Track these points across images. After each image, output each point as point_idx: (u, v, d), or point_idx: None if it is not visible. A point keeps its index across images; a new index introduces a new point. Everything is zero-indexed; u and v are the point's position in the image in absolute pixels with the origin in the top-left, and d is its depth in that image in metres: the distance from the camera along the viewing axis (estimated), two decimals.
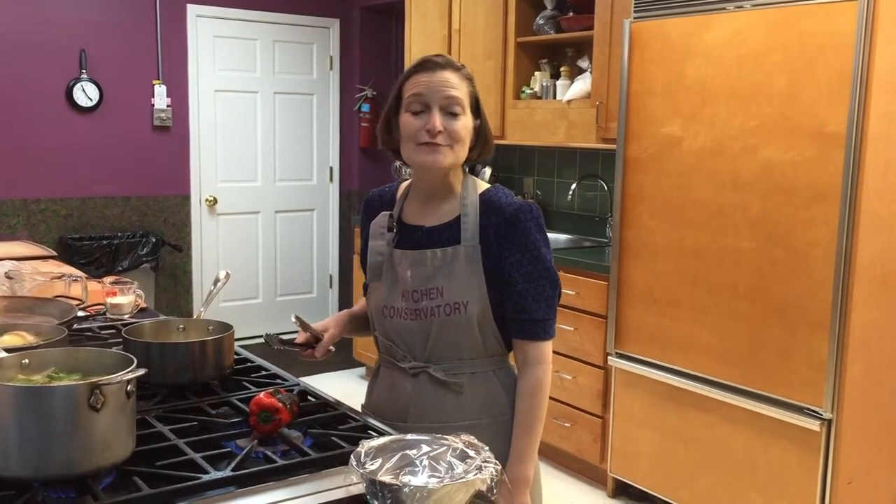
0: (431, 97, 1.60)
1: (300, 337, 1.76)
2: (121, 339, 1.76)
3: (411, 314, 1.66)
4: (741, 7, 2.89)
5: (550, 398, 3.80)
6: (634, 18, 3.27)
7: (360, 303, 1.90)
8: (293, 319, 1.77)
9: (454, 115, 1.61)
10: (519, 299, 1.63)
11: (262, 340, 1.85)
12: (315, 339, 1.76)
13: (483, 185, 1.72)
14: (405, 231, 1.71)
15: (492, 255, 1.64)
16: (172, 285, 5.60)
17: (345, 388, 4.92)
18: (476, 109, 1.66)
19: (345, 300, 6.17)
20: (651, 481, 3.35)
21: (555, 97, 4.20)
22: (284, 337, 1.78)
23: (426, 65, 1.63)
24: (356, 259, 5.13)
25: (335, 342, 1.80)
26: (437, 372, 1.66)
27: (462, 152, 1.64)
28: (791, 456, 2.83)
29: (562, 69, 4.22)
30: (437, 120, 1.59)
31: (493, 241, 1.64)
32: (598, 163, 4.42)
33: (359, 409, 1.75)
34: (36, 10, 4.93)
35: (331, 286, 6.30)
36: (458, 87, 1.61)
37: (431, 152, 1.60)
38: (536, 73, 4.35)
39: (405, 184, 1.79)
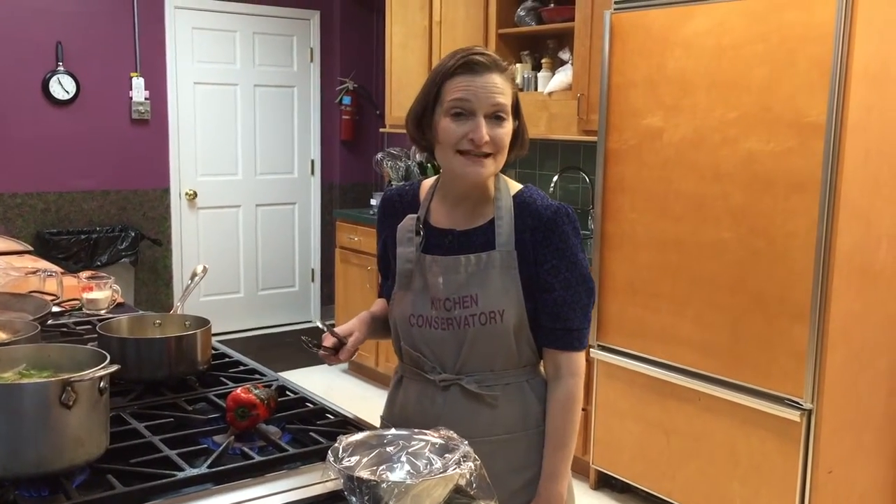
0: (477, 103, 1.47)
1: (327, 340, 1.62)
2: (96, 335, 1.74)
3: (443, 323, 1.55)
4: None
5: None
6: (615, 10, 3.26)
7: (377, 303, 1.77)
8: (322, 326, 1.66)
9: (499, 122, 1.50)
10: (555, 307, 1.54)
11: (241, 336, 1.82)
12: (340, 343, 1.63)
13: (516, 186, 1.61)
14: (433, 235, 1.59)
15: (527, 261, 1.54)
16: (152, 280, 5.55)
17: (327, 382, 4.90)
18: (516, 110, 1.55)
19: (327, 294, 6.14)
20: (633, 473, 3.35)
21: (536, 89, 4.19)
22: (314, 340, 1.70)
23: (472, 66, 1.49)
24: (338, 253, 5.11)
25: (360, 345, 1.67)
26: (470, 384, 1.55)
27: (502, 159, 1.53)
28: (772, 446, 2.84)
29: (543, 61, 4.21)
30: (483, 130, 1.47)
31: (529, 245, 1.54)
32: (579, 155, 4.42)
33: (342, 404, 1.72)
34: (11, 1, 4.86)
35: (313, 280, 6.27)
36: (504, 92, 1.50)
37: (473, 164, 1.49)
38: (518, 65, 4.33)
39: (428, 183, 1.68)
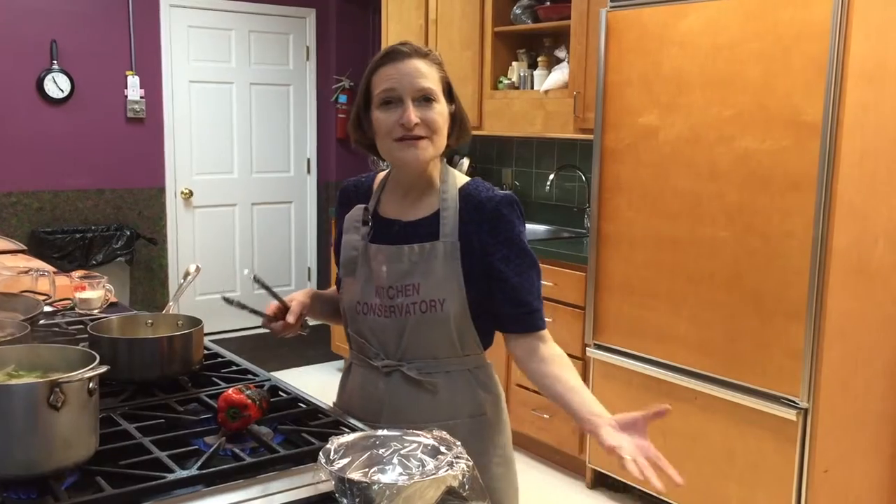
0: (402, 89, 1.52)
1: (270, 308, 1.66)
2: (87, 335, 1.72)
3: (385, 311, 1.60)
4: None
5: (527, 389, 3.78)
6: (611, 8, 3.25)
7: (332, 288, 1.84)
8: (246, 273, 1.70)
9: (428, 104, 1.53)
10: (514, 293, 1.58)
11: (236, 335, 1.80)
12: (282, 309, 1.66)
13: (463, 179, 1.65)
14: (381, 225, 1.64)
15: (472, 252, 1.58)
16: (147, 279, 5.53)
17: (322, 382, 4.88)
18: (449, 94, 1.59)
19: None
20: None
21: (532, 87, 4.18)
22: (249, 305, 1.69)
23: (392, 55, 1.55)
24: (333, 251, 5.09)
25: (305, 310, 1.68)
26: (411, 371, 1.60)
27: (441, 142, 1.57)
28: (768, 445, 2.83)
29: (539, 59, 4.20)
30: (412, 113, 1.51)
31: (474, 237, 1.58)
32: (575, 153, 4.41)
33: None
34: (5, 0, 4.84)
35: (309, 279, 6.25)
36: (428, 76, 1.54)
37: (410, 147, 1.53)
38: (514, 63, 4.33)
39: (382, 174, 1.73)
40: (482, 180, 1.68)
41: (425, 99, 1.53)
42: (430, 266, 1.57)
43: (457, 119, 1.61)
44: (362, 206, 1.67)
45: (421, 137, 1.53)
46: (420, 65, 1.54)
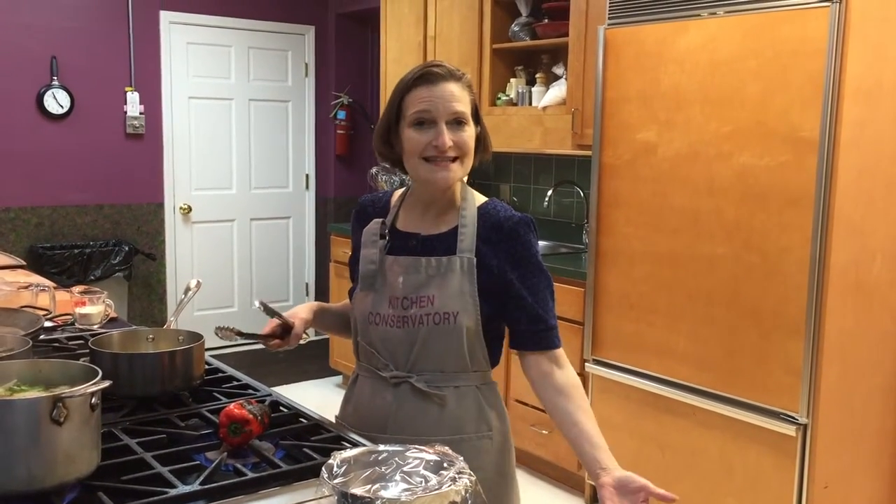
0: (437, 112, 1.55)
1: (267, 327, 1.68)
2: (88, 350, 1.72)
3: (398, 321, 1.61)
4: (715, 14, 2.90)
5: (526, 405, 3.77)
6: (609, 25, 3.27)
7: (342, 302, 1.85)
8: (257, 305, 1.70)
9: (460, 127, 1.57)
10: (532, 311, 1.61)
11: (236, 350, 1.80)
12: (283, 327, 1.68)
13: (481, 198, 1.69)
14: (399, 238, 1.66)
15: (489, 269, 1.60)
16: (146, 294, 5.53)
17: (322, 397, 4.87)
18: (476, 116, 1.63)
19: None
20: None
21: (530, 104, 4.20)
22: (244, 331, 1.67)
23: (428, 77, 1.57)
24: (333, 267, 5.10)
25: (308, 328, 1.72)
26: (420, 383, 1.61)
27: (468, 164, 1.61)
28: (767, 461, 2.83)
29: (537, 76, 4.22)
30: (446, 136, 1.55)
31: (491, 255, 1.61)
32: (573, 169, 4.43)
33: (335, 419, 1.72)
34: (6, 16, 4.86)
35: (307, 294, 6.25)
36: (461, 100, 1.57)
37: (440, 169, 1.57)
38: (512, 80, 4.35)
39: (399, 192, 1.75)
40: (499, 200, 1.71)
41: (457, 122, 1.57)
42: (446, 279, 1.59)
43: (481, 140, 1.65)
44: (380, 220, 1.69)
45: (453, 159, 1.57)
46: (454, 88, 1.57)
